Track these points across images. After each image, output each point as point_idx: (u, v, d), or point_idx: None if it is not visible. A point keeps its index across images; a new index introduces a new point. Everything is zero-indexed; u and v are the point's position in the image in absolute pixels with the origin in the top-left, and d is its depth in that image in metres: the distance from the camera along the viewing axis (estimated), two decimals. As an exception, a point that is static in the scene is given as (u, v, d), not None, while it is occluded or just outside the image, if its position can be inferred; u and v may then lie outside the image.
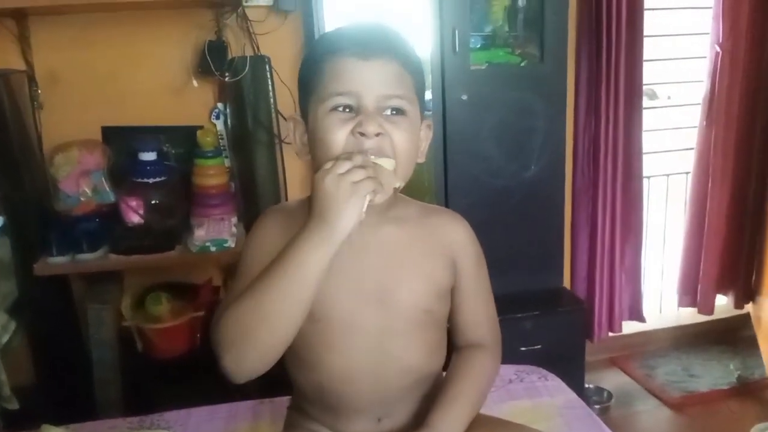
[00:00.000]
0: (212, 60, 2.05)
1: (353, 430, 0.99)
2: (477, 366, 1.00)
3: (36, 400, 1.96)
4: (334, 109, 0.87)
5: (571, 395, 1.32)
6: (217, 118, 2.18)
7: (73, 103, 2.11)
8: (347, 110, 0.87)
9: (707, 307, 2.80)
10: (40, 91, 2.09)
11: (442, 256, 0.98)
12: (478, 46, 2.21)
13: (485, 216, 1.87)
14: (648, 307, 2.76)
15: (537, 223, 2.34)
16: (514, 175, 2.24)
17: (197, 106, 2.18)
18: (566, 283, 2.60)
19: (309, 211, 0.84)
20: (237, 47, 2.11)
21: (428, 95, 2.20)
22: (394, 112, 0.88)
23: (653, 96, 2.96)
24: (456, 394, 0.95)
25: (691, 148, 2.73)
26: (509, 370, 1.42)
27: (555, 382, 1.36)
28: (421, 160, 0.95)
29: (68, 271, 1.89)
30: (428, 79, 2.16)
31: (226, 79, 2.07)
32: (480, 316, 1.03)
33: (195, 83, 2.12)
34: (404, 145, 0.88)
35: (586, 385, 2.44)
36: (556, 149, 2.30)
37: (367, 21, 0.94)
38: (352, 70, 0.86)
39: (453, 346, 1.05)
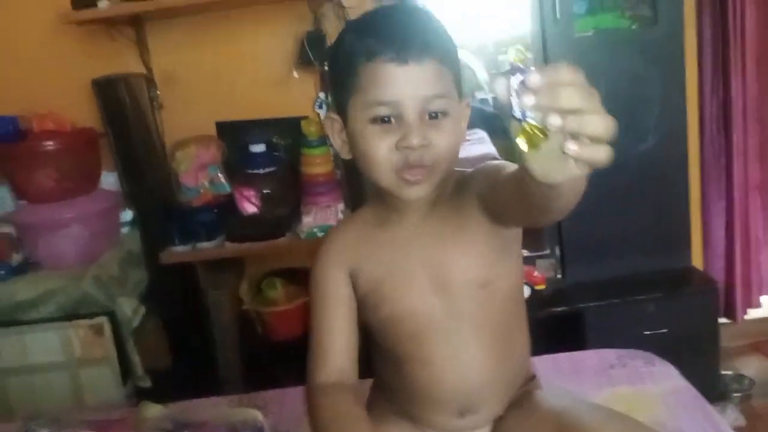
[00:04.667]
0: (311, 50, 2.09)
1: (435, 421, 0.99)
2: None
3: (169, 380, 2.12)
4: (375, 119, 0.85)
5: (681, 382, 1.20)
6: (320, 107, 2.23)
7: (189, 102, 2.25)
8: (388, 120, 0.85)
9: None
10: (159, 92, 2.24)
11: (474, 214, 0.91)
12: (583, 11, 2.09)
13: (598, 195, 1.77)
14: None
15: (657, 199, 2.18)
16: (628, 149, 2.09)
17: (300, 97, 2.24)
18: (697, 261, 2.42)
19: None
20: (335, 36, 2.14)
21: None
22: (436, 115, 0.86)
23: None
24: None
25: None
26: (610, 355, 1.32)
27: (663, 368, 1.24)
28: (463, 139, 0.93)
29: (189, 259, 2.01)
30: (528, 53, 2.07)
31: (326, 68, 2.10)
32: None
33: (296, 74, 2.18)
34: (448, 147, 0.87)
35: (723, 372, 2.26)
36: (675, 118, 2.14)
37: (396, 6, 0.92)
38: (390, 78, 0.83)
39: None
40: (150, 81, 2.23)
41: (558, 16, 2.01)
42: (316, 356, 0.98)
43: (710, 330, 2.16)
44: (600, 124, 0.51)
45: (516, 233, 0.97)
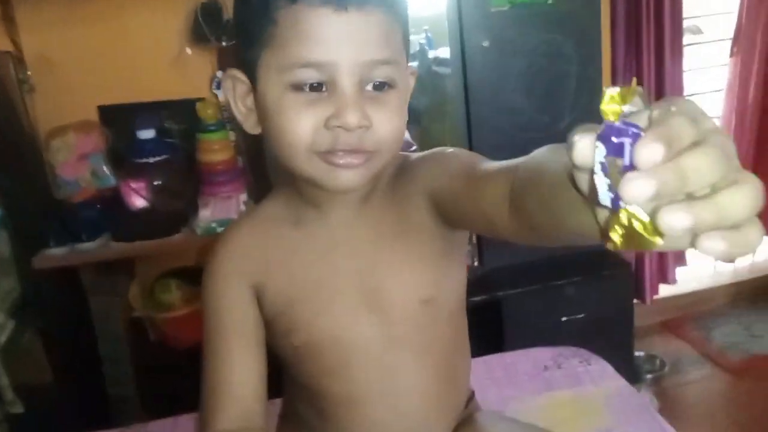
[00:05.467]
0: (206, 24, 1.89)
1: None
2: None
3: (51, 400, 1.88)
4: (297, 85, 0.64)
5: (620, 382, 1.11)
6: (218, 88, 2.02)
7: (66, 84, 1.98)
8: (317, 87, 0.64)
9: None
10: (30, 74, 1.96)
11: (420, 212, 0.73)
12: (498, -16, 1.99)
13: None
14: (702, 264, 2.55)
15: (573, 180, 2.12)
16: (547, 128, 2.02)
17: (195, 77, 2.02)
18: (610, 242, 2.40)
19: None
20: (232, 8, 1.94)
21: (446, 46, 1.99)
22: (380, 86, 0.66)
23: (697, 31, 2.69)
24: None
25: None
26: (545, 354, 1.21)
27: (599, 366, 1.15)
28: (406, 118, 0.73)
29: (68, 263, 1.77)
30: (444, 26, 1.96)
31: (223, 44, 1.90)
32: (500, 162, 0.66)
33: (189, 52, 1.96)
34: (393, 131, 0.67)
35: (636, 353, 2.26)
36: (591, 96, 2.07)
37: None
38: (322, 29, 0.62)
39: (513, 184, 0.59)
40: (19, 61, 1.95)
41: (473, -10, 1.90)
42: (212, 398, 0.76)
43: (625, 312, 2.14)
44: (749, 198, 0.32)
45: (463, 235, 0.80)
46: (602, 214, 0.37)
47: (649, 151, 0.31)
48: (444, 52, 2.05)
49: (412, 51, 2.55)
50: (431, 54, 2.12)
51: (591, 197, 0.36)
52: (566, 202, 0.43)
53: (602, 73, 2.11)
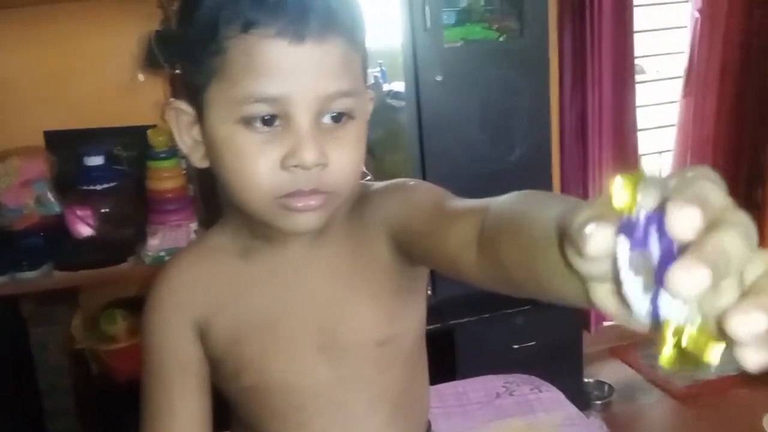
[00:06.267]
0: (159, 51, 1.87)
1: None
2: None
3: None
4: (248, 120, 0.59)
5: (571, 409, 1.12)
6: (170, 115, 2.00)
7: (11, 108, 1.94)
8: (269, 121, 0.59)
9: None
10: (-27, 96, 1.91)
11: (379, 247, 0.69)
12: (452, 22, 2.04)
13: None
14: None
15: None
16: (498, 159, 2.07)
17: (148, 104, 1.98)
18: (559, 272, 2.44)
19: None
20: (176, 29, 1.93)
21: (400, 79, 2.03)
22: (338, 118, 0.61)
23: (641, 71, 2.81)
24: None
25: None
26: (496, 382, 1.22)
27: (551, 394, 1.16)
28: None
29: (6, 293, 1.70)
30: (398, 60, 1.99)
31: (177, 71, 1.88)
32: (468, 201, 0.63)
33: (142, 78, 1.94)
34: (353, 166, 0.62)
35: (585, 380, 2.29)
36: (540, 129, 2.14)
37: None
38: (277, 63, 0.57)
39: (481, 229, 0.55)
40: (-39, 83, 1.90)
41: (428, 25, 1.94)
42: None
43: (573, 340, 2.18)
44: None
45: (424, 270, 0.75)
46: (644, 326, 0.31)
47: (685, 216, 0.26)
48: (398, 86, 2.08)
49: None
50: (386, 87, 2.15)
51: (617, 308, 0.31)
52: (552, 264, 0.39)
53: (550, 106, 2.17)
